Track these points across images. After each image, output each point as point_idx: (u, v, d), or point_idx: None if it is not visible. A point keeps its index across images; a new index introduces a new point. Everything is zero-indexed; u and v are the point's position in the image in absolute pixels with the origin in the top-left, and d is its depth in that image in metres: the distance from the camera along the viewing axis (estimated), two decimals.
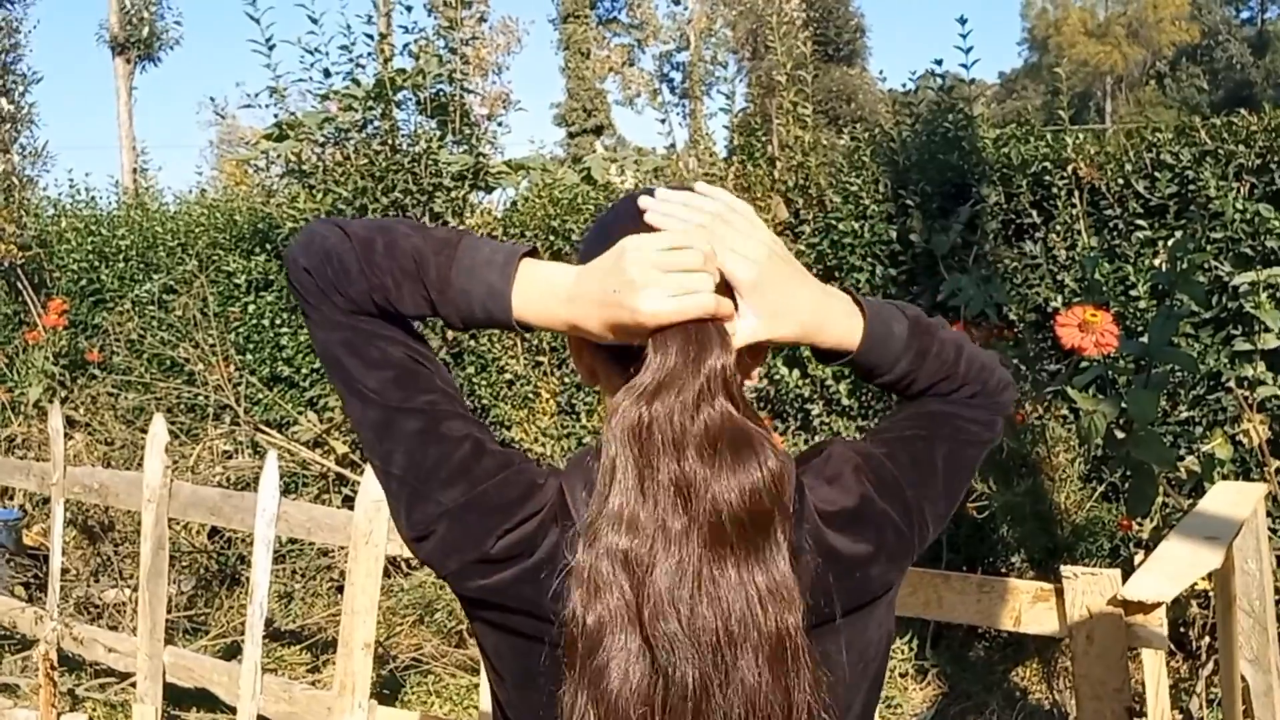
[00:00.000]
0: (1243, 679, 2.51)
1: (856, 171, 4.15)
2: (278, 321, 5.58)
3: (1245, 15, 40.37)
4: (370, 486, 3.07)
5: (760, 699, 0.85)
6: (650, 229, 0.95)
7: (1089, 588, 2.04)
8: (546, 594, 0.92)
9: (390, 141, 5.38)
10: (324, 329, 0.96)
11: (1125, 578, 2.04)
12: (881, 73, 8.14)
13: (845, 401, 3.99)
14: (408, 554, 3.25)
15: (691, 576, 0.85)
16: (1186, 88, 35.93)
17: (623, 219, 0.98)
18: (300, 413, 5.27)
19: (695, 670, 0.84)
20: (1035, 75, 40.49)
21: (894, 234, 3.96)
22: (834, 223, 4.08)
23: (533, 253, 0.97)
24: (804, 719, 0.86)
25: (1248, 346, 3.09)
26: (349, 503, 4.56)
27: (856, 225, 4.02)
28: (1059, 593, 2.08)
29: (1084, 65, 37.12)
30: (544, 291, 0.94)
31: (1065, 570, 2.05)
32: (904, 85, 4.55)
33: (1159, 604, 1.97)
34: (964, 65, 4.06)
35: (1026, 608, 2.14)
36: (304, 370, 5.46)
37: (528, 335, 4.87)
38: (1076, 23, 40.11)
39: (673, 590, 0.85)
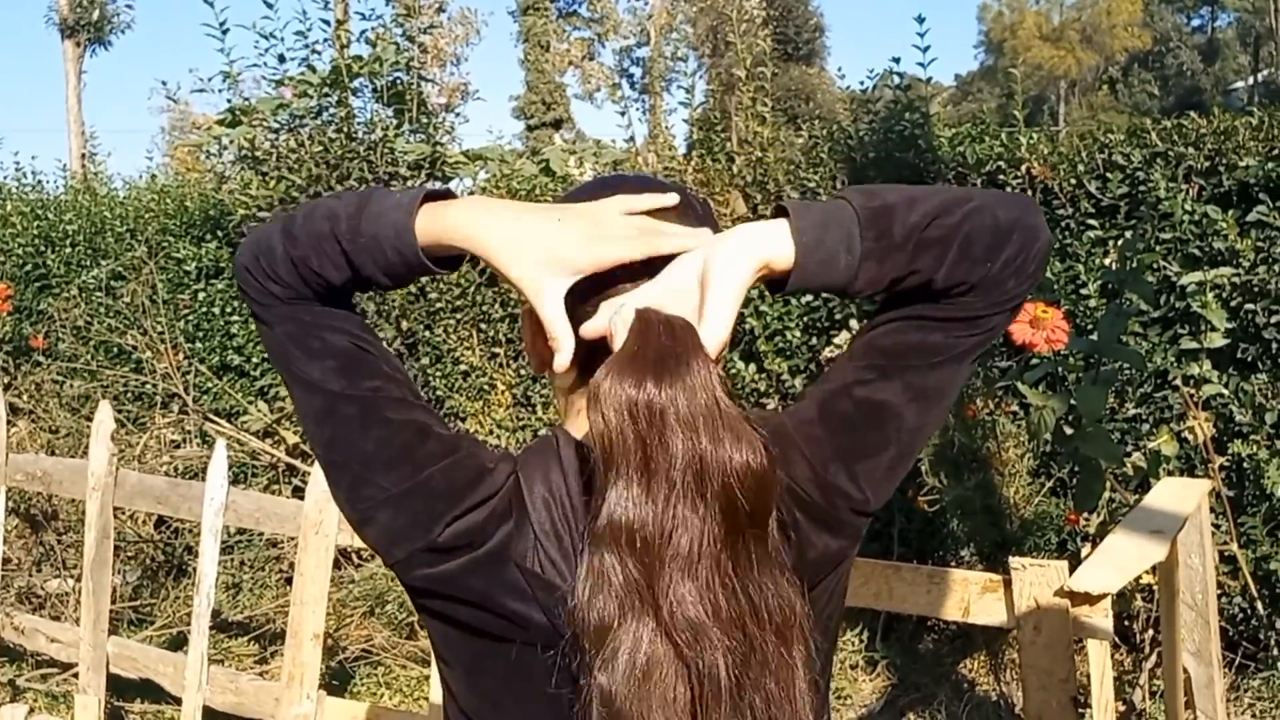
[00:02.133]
0: (1185, 671, 2.56)
1: (814, 168, 4.16)
2: (228, 309, 5.50)
3: (1196, 23, 41.18)
4: (321, 476, 3.04)
5: (784, 680, 0.83)
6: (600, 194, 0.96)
7: (1036, 579, 2.07)
8: (496, 587, 0.90)
9: (346, 129, 5.32)
10: (270, 325, 0.95)
11: (1073, 570, 2.07)
12: (840, 70, 8.14)
13: None
14: (359, 545, 3.23)
15: (710, 559, 0.81)
16: (1138, 93, 36.56)
17: (580, 197, 0.98)
18: (250, 402, 5.20)
19: (724, 657, 0.81)
20: (991, 78, 40.99)
21: None
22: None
23: (447, 195, 0.94)
24: (808, 696, 0.84)
25: (1194, 345, 3.14)
26: (299, 493, 4.50)
27: None
28: (1007, 584, 2.10)
29: (1038, 69, 37.62)
30: (459, 207, 0.92)
31: (1013, 562, 2.08)
32: (862, 84, 4.57)
33: (1104, 595, 2.00)
34: (921, 64, 4.09)
35: (975, 598, 2.17)
36: (254, 359, 5.39)
37: (484, 326, 4.86)
38: (1032, 27, 40.66)
39: (693, 575, 0.81)
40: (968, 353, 0.95)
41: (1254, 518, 3.24)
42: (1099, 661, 2.41)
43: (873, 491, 0.94)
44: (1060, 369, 2.99)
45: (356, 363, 0.93)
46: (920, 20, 3.99)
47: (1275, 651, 3.23)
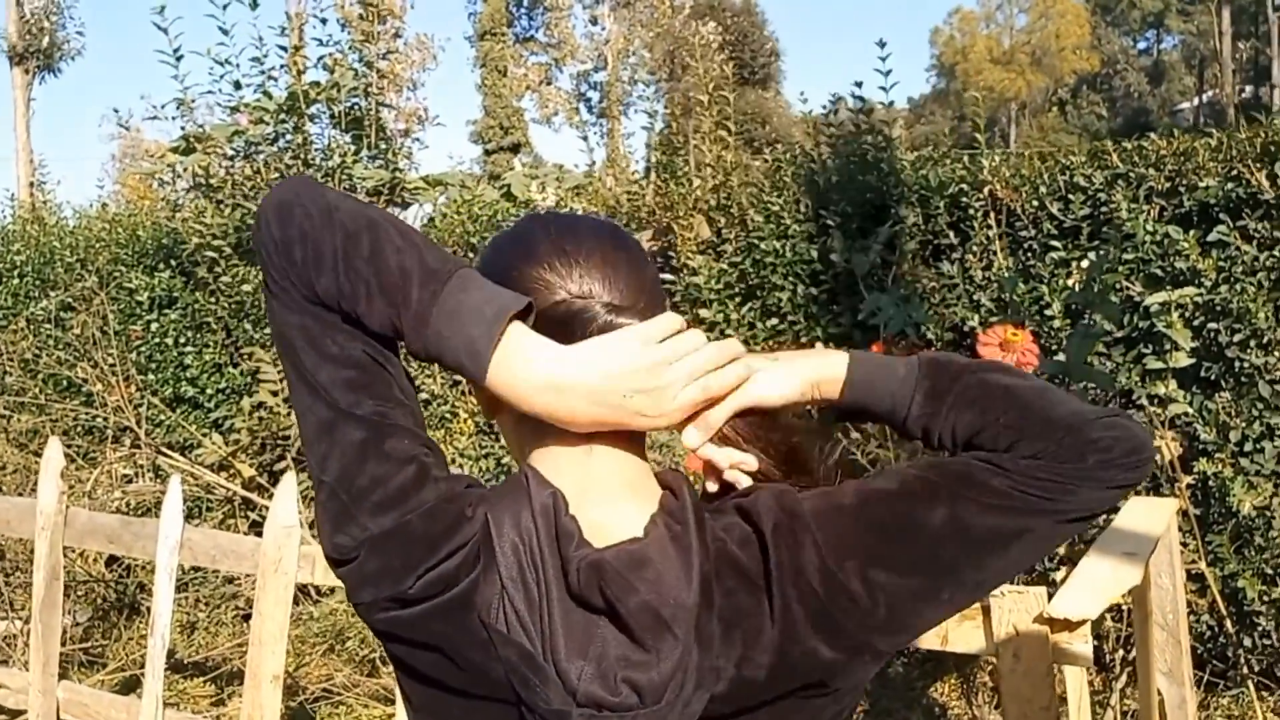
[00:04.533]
0: (1158, 693, 2.55)
1: (778, 191, 4.16)
2: (181, 340, 5.39)
3: (1142, 46, 42.09)
4: (280, 511, 2.95)
5: None
6: (544, 275, 0.91)
7: (1015, 606, 2.04)
8: (458, 634, 0.86)
9: (303, 155, 5.26)
10: (284, 308, 0.88)
11: (1050, 594, 2.05)
12: (803, 94, 8.08)
13: None
14: (318, 581, 3.14)
15: None
16: (1087, 114, 37.27)
17: (518, 256, 0.93)
18: (205, 434, 5.08)
19: None
20: (943, 101, 41.60)
21: (815, 253, 3.97)
22: (756, 242, 4.08)
23: (526, 310, 0.87)
24: None
25: (1160, 365, 3.15)
26: (256, 528, 4.41)
27: (778, 244, 4.03)
28: (985, 611, 2.07)
29: (990, 91, 38.21)
30: (525, 370, 0.86)
31: None
32: (823, 108, 4.57)
33: (1084, 621, 1.97)
34: (883, 88, 4.10)
35: (953, 626, 2.13)
36: (209, 390, 5.28)
37: None
38: (983, 50, 41.32)
39: None
40: (1031, 513, 0.86)
41: (1220, 535, 3.25)
42: (1076, 687, 2.39)
43: (887, 609, 0.86)
44: None
45: (370, 378, 0.88)
46: (881, 44, 4.01)
47: (1245, 669, 3.23)
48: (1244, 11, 30.45)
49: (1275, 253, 3.17)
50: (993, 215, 3.68)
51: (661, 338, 0.88)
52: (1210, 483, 3.29)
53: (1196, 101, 32.37)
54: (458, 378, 4.75)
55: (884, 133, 4.09)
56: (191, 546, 3.13)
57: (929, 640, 2.15)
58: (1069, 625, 1.97)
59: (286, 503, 2.94)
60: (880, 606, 0.86)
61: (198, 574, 4.53)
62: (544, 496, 0.87)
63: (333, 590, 4.29)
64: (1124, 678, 3.41)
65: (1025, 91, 40.12)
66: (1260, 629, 3.22)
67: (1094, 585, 2.11)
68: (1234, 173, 3.26)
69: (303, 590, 4.28)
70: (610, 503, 0.91)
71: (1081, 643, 1.98)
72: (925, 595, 0.87)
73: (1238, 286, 3.20)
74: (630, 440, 0.93)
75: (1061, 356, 3.23)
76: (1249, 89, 30.09)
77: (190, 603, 4.56)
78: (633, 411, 0.86)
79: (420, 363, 4.66)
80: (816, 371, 0.93)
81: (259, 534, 3.00)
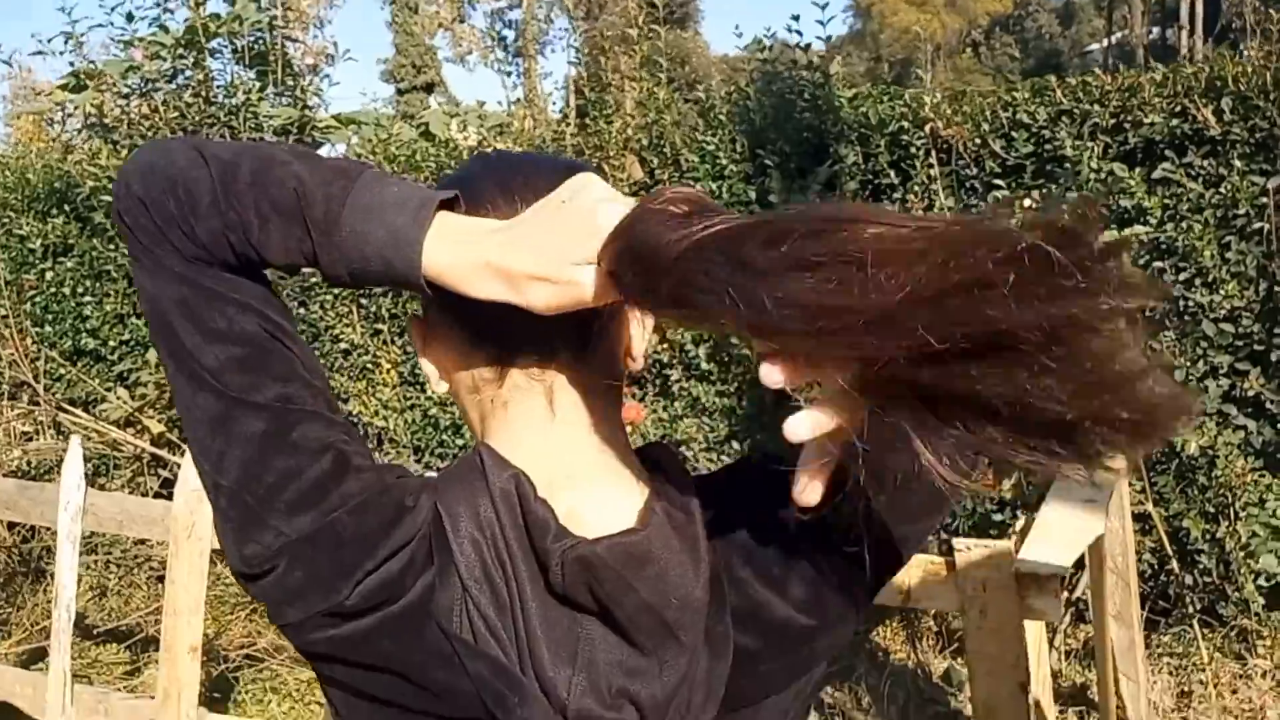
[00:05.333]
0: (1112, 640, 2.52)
1: (712, 130, 4.00)
2: (80, 289, 5.07)
3: None
4: (191, 473, 2.75)
5: None
6: (509, 191, 0.75)
7: (981, 560, 1.96)
8: (414, 651, 0.72)
9: (204, 93, 4.96)
10: (155, 279, 0.72)
11: (1011, 546, 1.98)
12: (737, 28, 7.83)
13: (705, 366, 3.87)
14: None
15: None
16: (1000, 55, 37.63)
17: (483, 177, 0.78)
18: (108, 389, 4.80)
19: None
20: (859, 42, 41.57)
21: (753, 194, 3.84)
22: (691, 182, 3.93)
23: (453, 202, 0.73)
24: None
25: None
26: (167, 486, 4.19)
27: (714, 185, 3.88)
28: (950, 566, 1.99)
29: (905, 33, 38.27)
30: (467, 236, 0.70)
31: (957, 543, 1.97)
32: (758, 43, 4.41)
33: (1054, 576, 1.90)
34: (820, 22, 3.97)
35: (916, 582, 2.05)
36: (111, 343, 4.98)
37: (364, 301, 4.57)
38: None
39: None
40: None
41: (1165, 476, 3.23)
42: (1036, 640, 2.33)
43: (910, 552, 0.83)
44: None
45: (265, 355, 0.72)
46: None
47: (1189, 609, 3.24)
48: None
49: (1221, 190, 3.12)
50: (934, 153, 3.58)
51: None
52: None
53: (1106, 43, 32.83)
54: (379, 326, 4.55)
55: (822, 69, 3.96)
56: (96, 512, 2.92)
57: (891, 598, 2.07)
58: (1039, 580, 1.90)
59: None
60: (906, 556, 0.81)
61: (108, 534, 4.29)
62: (504, 480, 0.73)
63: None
64: (1066, 619, 3.42)
65: (941, 33, 40.29)
66: (1201, 567, 3.23)
67: (1059, 537, 2.05)
68: (1179, 108, 3.20)
69: (219, 553, 4.08)
70: (586, 482, 0.77)
71: (1051, 598, 1.91)
72: (924, 534, 0.84)
73: (1184, 224, 3.15)
74: (605, 401, 0.79)
75: None
76: (1156, 30, 30.59)
77: (100, 565, 4.33)
78: (591, 223, 0.67)
79: (337, 292, 4.45)
80: None
81: (170, 493, 2.81)
